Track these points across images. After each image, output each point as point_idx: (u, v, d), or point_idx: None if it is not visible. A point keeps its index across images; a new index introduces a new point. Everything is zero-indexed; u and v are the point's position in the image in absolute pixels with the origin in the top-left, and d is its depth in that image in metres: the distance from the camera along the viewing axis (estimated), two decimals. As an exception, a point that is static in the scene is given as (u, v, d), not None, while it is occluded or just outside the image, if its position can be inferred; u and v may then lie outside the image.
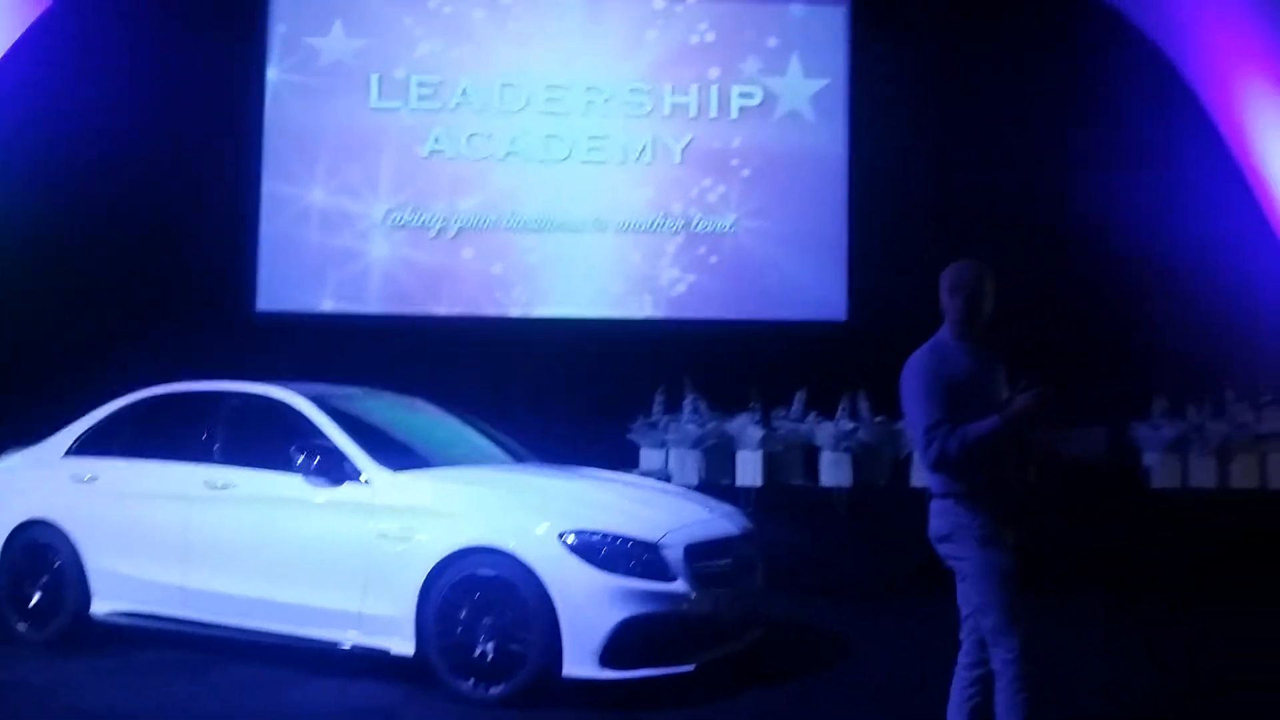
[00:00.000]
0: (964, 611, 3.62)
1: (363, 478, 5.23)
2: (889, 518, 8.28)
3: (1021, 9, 10.40)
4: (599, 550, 4.81)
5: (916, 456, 3.75)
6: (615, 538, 4.87)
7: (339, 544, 5.16)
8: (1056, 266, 9.91)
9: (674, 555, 4.90)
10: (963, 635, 3.67)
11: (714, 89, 11.01)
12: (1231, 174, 10.32)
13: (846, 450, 8.87)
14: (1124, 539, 7.96)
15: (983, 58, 10.29)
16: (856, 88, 10.75)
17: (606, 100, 10.99)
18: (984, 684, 3.57)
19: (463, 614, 4.80)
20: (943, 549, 3.59)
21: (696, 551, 5.02)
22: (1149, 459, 9.09)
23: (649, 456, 9.08)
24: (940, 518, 3.59)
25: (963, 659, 3.67)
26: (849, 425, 8.93)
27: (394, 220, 10.85)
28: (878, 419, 8.90)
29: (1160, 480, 9.01)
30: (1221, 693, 5.34)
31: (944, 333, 3.75)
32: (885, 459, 9.04)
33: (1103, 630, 6.63)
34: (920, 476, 8.73)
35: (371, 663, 5.10)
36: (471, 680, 4.77)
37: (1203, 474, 8.98)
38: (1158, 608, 7.36)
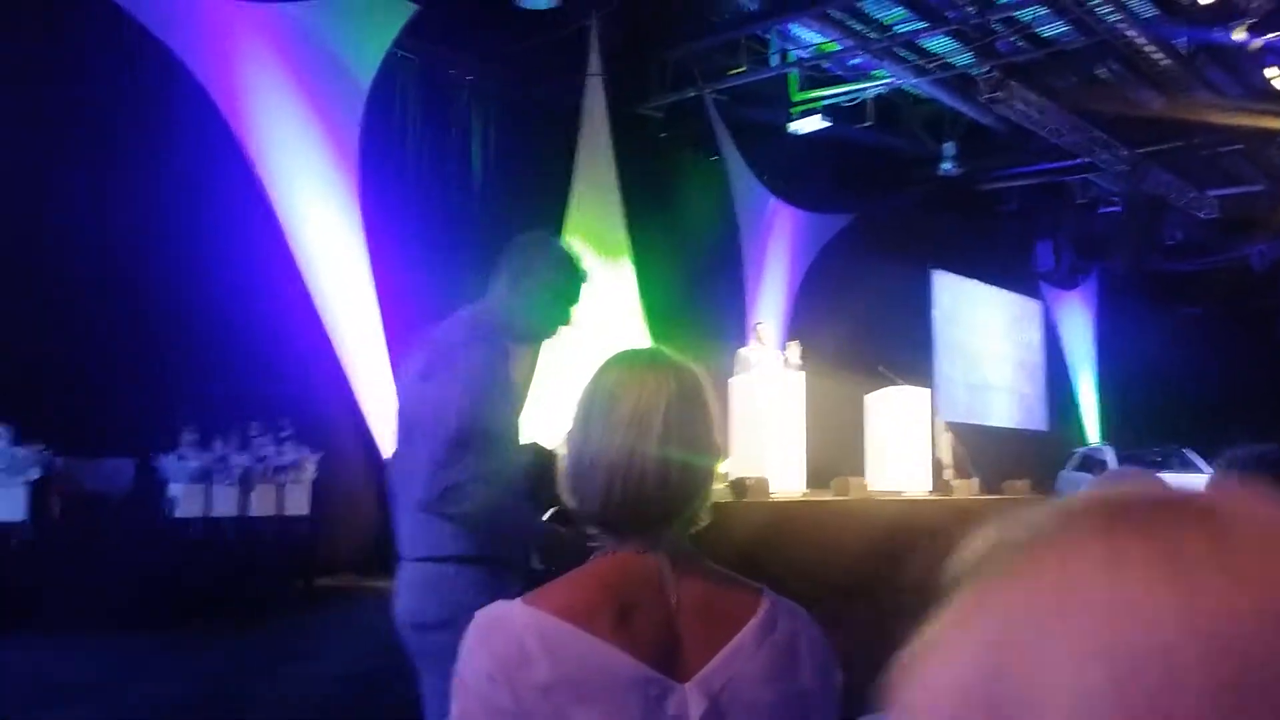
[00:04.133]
0: None
1: None
2: None
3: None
4: None
5: (426, 484, 2.31)
6: None
7: None
8: (86, 294, 9.19)
9: None
10: None
11: None
12: (262, 211, 10.40)
13: None
14: (152, 568, 7.99)
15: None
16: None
17: None
18: None
19: None
20: (429, 641, 2.22)
21: None
22: (174, 490, 9.20)
23: None
24: (435, 594, 2.27)
25: None
26: None
27: None
28: None
29: (185, 510, 9.19)
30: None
31: (498, 320, 2.46)
32: None
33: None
34: None
35: None
36: None
37: (225, 503, 9.43)
38: (190, 632, 7.56)
